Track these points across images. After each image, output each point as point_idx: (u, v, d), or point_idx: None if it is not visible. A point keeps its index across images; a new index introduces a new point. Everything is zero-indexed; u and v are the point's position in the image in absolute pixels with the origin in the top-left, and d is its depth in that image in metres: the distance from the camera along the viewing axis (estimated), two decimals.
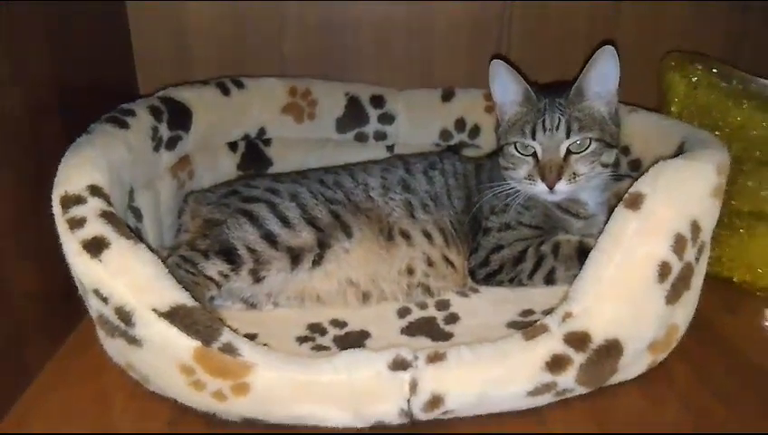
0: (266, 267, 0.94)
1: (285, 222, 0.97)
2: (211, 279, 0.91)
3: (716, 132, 1.04)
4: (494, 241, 1.04)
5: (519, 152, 1.05)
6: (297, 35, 1.30)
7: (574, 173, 1.01)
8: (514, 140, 1.05)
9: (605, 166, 1.03)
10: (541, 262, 1.00)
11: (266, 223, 0.96)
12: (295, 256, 0.95)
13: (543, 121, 1.03)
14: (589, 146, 1.01)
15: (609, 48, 1.01)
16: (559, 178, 1.00)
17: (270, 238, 0.95)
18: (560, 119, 1.02)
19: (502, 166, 1.08)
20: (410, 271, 1.01)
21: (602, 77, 1.03)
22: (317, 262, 0.97)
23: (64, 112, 0.93)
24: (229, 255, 0.93)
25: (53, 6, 0.93)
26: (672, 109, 1.13)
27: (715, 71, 1.11)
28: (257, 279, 0.94)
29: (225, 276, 0.92)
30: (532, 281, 1.01)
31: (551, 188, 1.00)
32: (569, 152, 1.02)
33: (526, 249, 1.02)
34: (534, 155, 1.03)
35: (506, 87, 1.08)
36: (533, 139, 1.03)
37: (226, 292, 0.95)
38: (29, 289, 0.84)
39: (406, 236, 1.03)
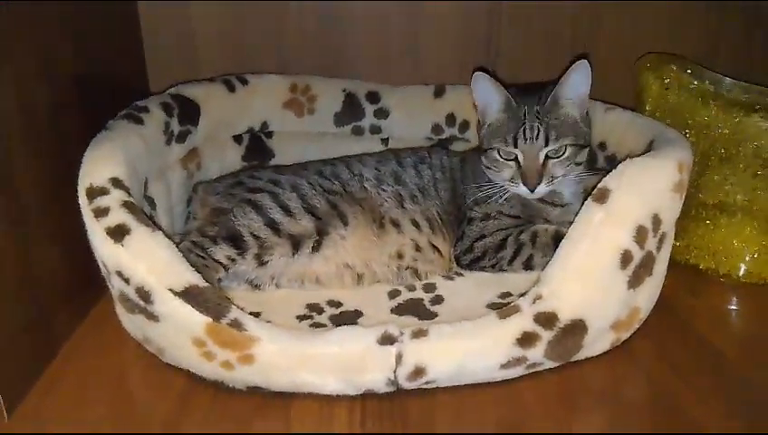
0: (269, 252, 1.03)
1: (287, 211, 1.05)
2: (219, 262, 1.00)
3: (686, 130, 1.12)
4: (478, 230, 1.12)
5: (502, 157, 1.12)
6: (297, 35, 1.38)
7: (552, 176, 1.10)
8: (497, 147, 1.12)
9: (578, 164, 1.12)
10: (520, 250, 1.09)
11: (269, 212, 1.04)
12: (296, 243, 1.04)
13: (524, 131, 1.10)
14: (564, 151, 1.10)
15: (583, 62, 1.08)
16: (539, 181, 1.09)
17: (273, 226, 1.03)
18: (539, 128, 1.10)
19: (485, 166, 1.16)
20: (400, 256, 1.09)
21: (576, 87, 1.11)
22: (316, 248, 1.05)
23: (84, 107, 1.00)
24: (236, 240, 1.01)
25: (75, 9, 1.00)
26: (646, 108, 1.20)
27: (688, 71, 1.19)
28: (261, 263, 1.03)
29: (232, 260, 1.01)
30: (512, 267, 1.09)
31: (531, 190, 1.10)
32: (547, 157, 1.10)
33: (507, 238, 1.10)
34: (516, 160, 1.11)
35: (488, 97, 1.15)
36: (515, 147, 1.11)
37: (233, 274, 1.03)
38: (54, 270, 0.91)
39: (396, 224, 1.11)
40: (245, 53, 1.37)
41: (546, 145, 1.10)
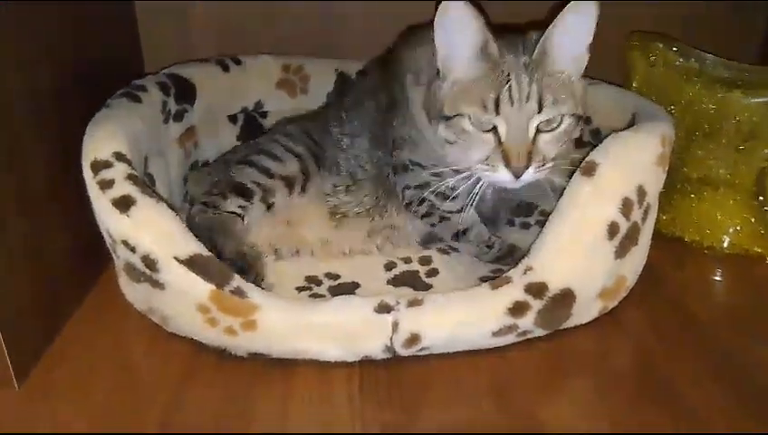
0: (272, 194, 1.07)
1: (274, 157, 1.09)
2: (234, 213, 1.04)
3: (671, 106, 1.14)
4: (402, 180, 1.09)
5: (474, 128, 0.89)
6: (294, 26, 1.38)
7: (544, 157, 0.88)
8: (470, 112, 0.88)
9: (571, 141, 0.94)
10: (429, 214, 1.08)
11: (261, 161, 1.09)
12: (290, 183, 1.08)
13: (510, 90, 0.85)
14: (561, 123, 0.89)
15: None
16: (527, 163, 0.87)
17: (267, 172, 1.07)
18: (530, 88, 0.85)
19: (444, 140, 0.92)
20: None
21: (576, 34, 0.87)
22: (303, 189, 1.10)
23: (84, 92, 1.01)
24: (242, 191, 1.05)
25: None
26: (633, 85, 1.22)
27: (674, 49, 1.21)
28: (268, 205, 1.07)
29: (243, 208, 1.05)
30: (422, 221, 1.09)
31: (517, 176, 0.87)
32: (537, 131, 0.88)
33: (425, 199, 1.05)
34: (495, 132, 0.88)
35: (460, 36, 0.87)
36: (497, 113, 0.86)
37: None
38: (60, 246, 0.93)
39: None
40: (239, 39, 1.38)
41: (539, 112, 0.86)
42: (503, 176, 0.89)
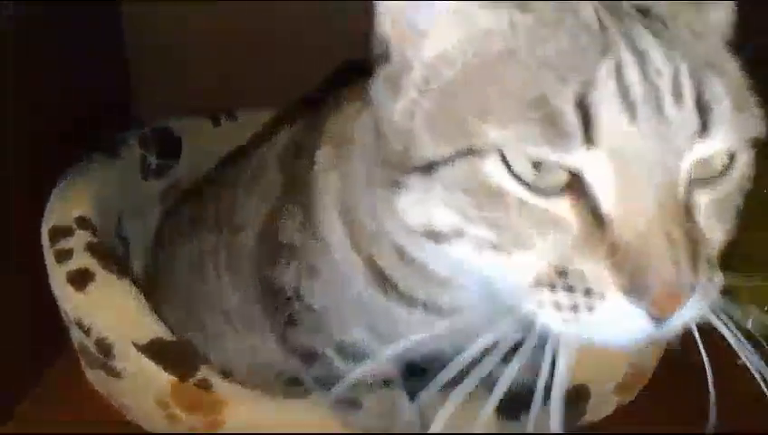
0: None
1: None
2: None
3: None
4: None
5: (520, 184, 0.39)
6: (291, 38, 1.29)
7: (711, 249, 0.42)
8: (503, 141, 0.38)
9: None
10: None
11: None
12: None
13: (618, 74, 0.38)
14: (734, 163, 0.42)
15: None
16: (695, 274, 0.38)
17: None
18: (673, 69, 0.39)
19: (418, 223, 0.44)
20: None
21: None
22: None
23: (64, 140, 0.93)
24: None
25: (57, 37, 0.94)
26: None
27: None
28: None
29: None
30: None
31: (663, 314, 0.40)
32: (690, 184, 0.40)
33: None
34: (579, 192, 0.39)
35: None
36: (587, 140, 0.38)
37: None
38: (23, 313, 0.85)
39: None
40: (237, 74, 1.29)
41: (703, 133, 0.39)
42: (628, 321, 0.40)
